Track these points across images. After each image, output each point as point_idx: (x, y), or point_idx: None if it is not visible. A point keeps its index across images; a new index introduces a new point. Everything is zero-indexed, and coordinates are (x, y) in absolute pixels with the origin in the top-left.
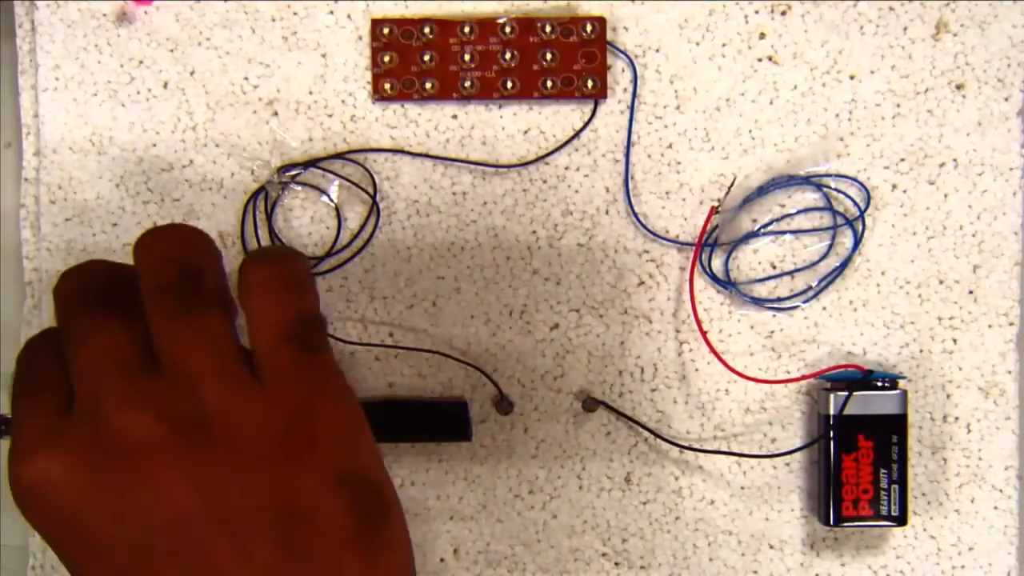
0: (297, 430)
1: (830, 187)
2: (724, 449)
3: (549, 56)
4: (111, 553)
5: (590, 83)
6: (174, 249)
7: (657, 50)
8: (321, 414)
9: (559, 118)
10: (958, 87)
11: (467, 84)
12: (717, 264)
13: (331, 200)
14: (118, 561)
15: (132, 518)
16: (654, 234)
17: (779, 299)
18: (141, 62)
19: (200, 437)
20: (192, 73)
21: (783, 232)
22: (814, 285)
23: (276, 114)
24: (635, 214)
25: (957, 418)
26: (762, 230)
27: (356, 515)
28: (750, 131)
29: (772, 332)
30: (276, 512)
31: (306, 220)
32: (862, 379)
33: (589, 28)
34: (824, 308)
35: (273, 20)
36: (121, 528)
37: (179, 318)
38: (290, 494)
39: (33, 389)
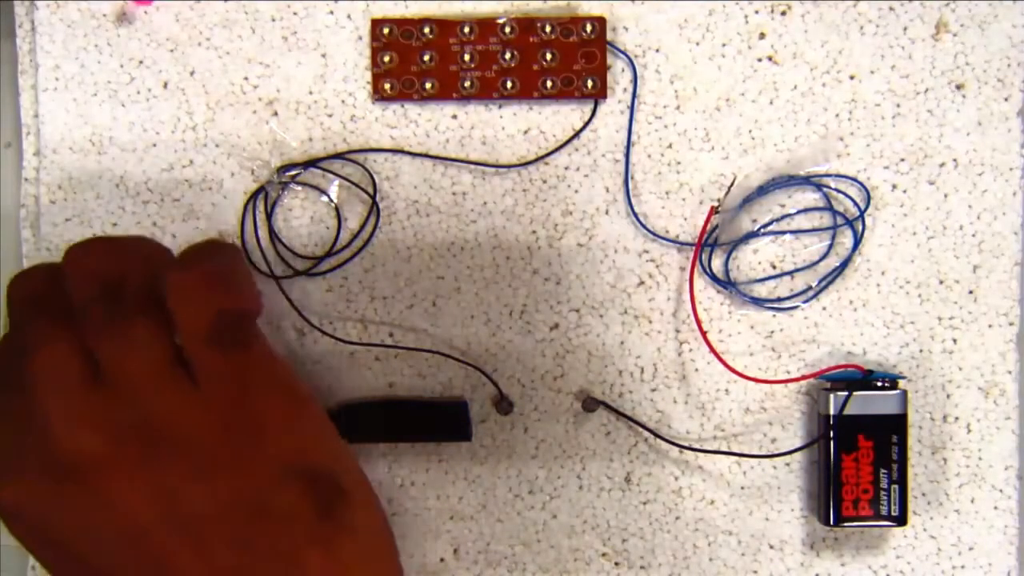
0: (236, 428)
1: (830, 187)
2: (724, 449)
3: (549, 56)
4: (83, 563)
5: (590, 83)
6: (93, 262)
7: (657, 50)
8: (257, 409)
9: (559, 118)
10: (958, 87)
11: (467, 84)
12: (717, 264)
13: (331, 200)
14: (91, 570)
15: (94, 531)
16: (654, 234)
17: (779, 299)
18: (141, 62)
19: (147, 446)
20: (192, 73)
21: (783, 232)
22: (814, 285)
23: (276, 114)
24: (635, 214)
25: (957, 418)
26: (762, 230)
27: (309, 505)
28: (750, 131)
29: (772, 332)
30: (231, 512)
31: (306, 220)
32: (862, 379)
33: (589, 28)
34: (824, 308)
35: (273, 20)
36: (87, 541)
37: (107, 329)
38: (242, 492)
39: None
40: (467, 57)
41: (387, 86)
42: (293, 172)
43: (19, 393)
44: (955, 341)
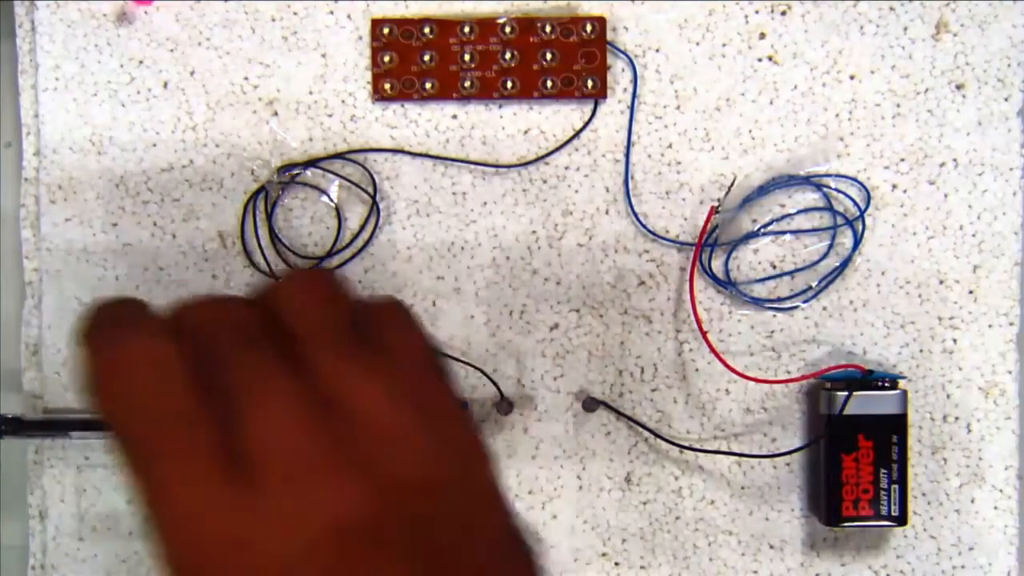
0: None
1: (830, 187)
2: (724, 449)
3: (549, 56)
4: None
5: (590, 83)
6: (329, 291)
7: (657, 50)
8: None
9: (559, 118)
10: (958, 87)
11: (467, 84)
12: (717, 264)
13: (331, 200)
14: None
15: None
16: (654, 234)
17: (779, 299)
18: (141, 62)
19: (400, 501)
20: (192, 73)
21: (783, 232)
22: (814, 285)
23: (276, 114)
24: (635, 214)
25: (957, 418)
26: (762, 230)
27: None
28: (750, 131)
29: (772, 332)
30: (474, 561)
31: (306, 220)
32: (862, 379)
33: (589, 28)
34: (824, 308)
35: (273, 20)
36: None
37: (357, 360)
38: (486, 530)
39: (178, 440)
40: (467, 57)
41: (387, 86)
42: (293, 172)
43: (212, 420)
44: (955, 341)
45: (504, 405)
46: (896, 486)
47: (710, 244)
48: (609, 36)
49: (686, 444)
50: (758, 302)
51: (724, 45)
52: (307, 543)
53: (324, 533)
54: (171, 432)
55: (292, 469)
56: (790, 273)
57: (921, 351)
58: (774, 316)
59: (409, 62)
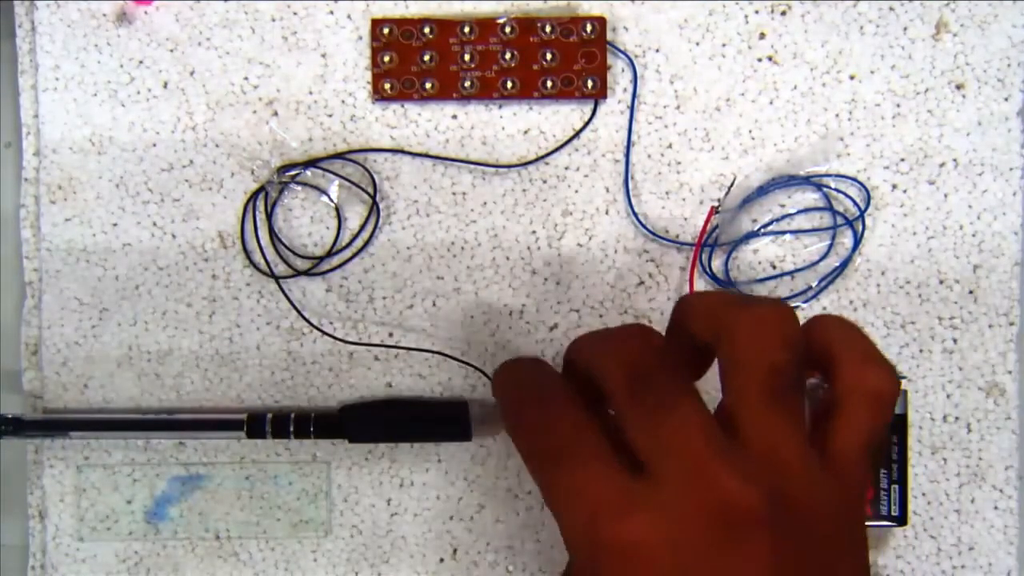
0: (848, 519)
1: (830, 187)
2: None
3: (549, 56)
4: None
5: (590, 83)
6: (780, 330)
7: (657, 50)
8: (860, 516)
9: (559, 118)
10: (958, 87)
11: (467, 84)
12: (717, 264)
13: (331, 200)
14: None
15: None
16: (654, 234)
17: (779, 299)
18: (141, 62)
19: (785, 516)
20: (192, 73)
21: (783, 232)
22: (814, 285)
23: (276, 114)
24: (635, 214)
25: (957, 418)
26: (762, 230)
27: None
28: (750, 131)
29: None
30: None
31: (306, 220)
32: None
33: (589, 28)
34: (824, 308)
35: (273, 20)
36: None
37: (776, 405)
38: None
39: (585, 444)
40: (467, 57)
41: (387, 86)
42: (293, 172)
43: (603, 439)
44: (955, 341)
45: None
46: (896, 486)
47: (710, 244)
48: (609, 36)
49: None
50: None
51: (724, 45)
52: (694, 519)
53: (712, 513)
54: (581, 437)
55: (691, 464)
56: (790, 273)
57: (921, 351)
58: None
59: (409, 62)
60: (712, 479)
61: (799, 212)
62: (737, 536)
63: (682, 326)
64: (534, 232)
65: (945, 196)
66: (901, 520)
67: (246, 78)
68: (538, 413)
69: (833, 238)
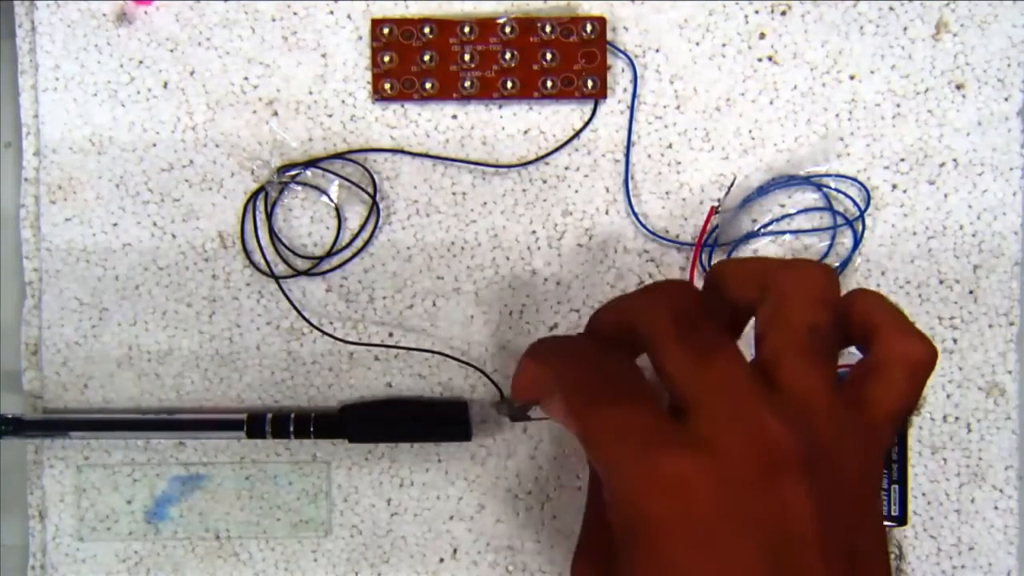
0: (872, 476)
1: (830, 187)
2: None
3: (549, 56)
4: (718, 556)
5: (590, 83)
6: (822, 292)
7: (657, 50)
8: (880, 477)
9: (559, 118)
10: (958, 87)
11: (467, 84)
12: None
13: (331, 200)
14: (720, 567)
15: (751, 526)
16: (654, 234)
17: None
18: (141, 62)
19: (818, 463)
20: (192, 73)
21: (783, 232)
22: None
23: (276, 114)
24: (635, 214)
25: (957, 418)
26: (762, 230)
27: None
28: (750, 131)
29: None
30: (851, 548)
31: (306, 220)
32: None
33: (589, 28)
34: None
35: (273, 20)
36: (737, 536)
37: (814, 360)
38: (858, 534)
39: (629, 388)
40: (467, 57)
41: (387, 86)
42: (293, 172)
43: (645, 384)
44: (955, 341)
45: (504, 405)
46: (896, 486)
47: (710, 244)
48: (609, 36)
49: None
50: None
51: (724, 45)
52: (739, 457)
53: (756, 452)
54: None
55: (736, 404)
56: None
57: None
58: None
59: (409, 62)
60: (756, 419)
61: (799, 212)
62: (779, 475)
63: (717, 290)
64: (534, 232)
65: (945, 196)
66: (901, 520)
67: (246, 78)
68: (583, 360)
69: (833, 238)
